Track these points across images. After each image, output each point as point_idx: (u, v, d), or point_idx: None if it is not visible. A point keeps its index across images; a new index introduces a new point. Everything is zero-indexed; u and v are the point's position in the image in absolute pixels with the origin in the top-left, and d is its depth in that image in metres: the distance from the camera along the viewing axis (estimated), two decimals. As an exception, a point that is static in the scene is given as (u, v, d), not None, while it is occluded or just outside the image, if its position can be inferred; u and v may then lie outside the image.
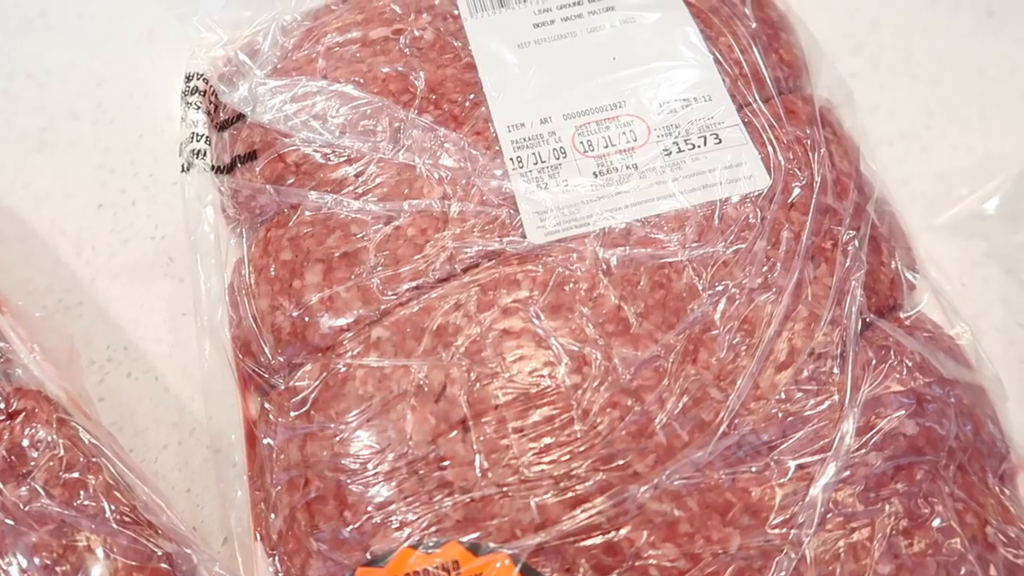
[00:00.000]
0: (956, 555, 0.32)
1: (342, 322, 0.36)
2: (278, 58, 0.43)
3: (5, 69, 0.55)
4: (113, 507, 0.34)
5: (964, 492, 0.34)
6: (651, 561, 0.31)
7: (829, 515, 0.32)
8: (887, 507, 0.32)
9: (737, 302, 0.35)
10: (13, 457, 0.34)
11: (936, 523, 0.33)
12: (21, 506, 0.33)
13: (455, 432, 0.33)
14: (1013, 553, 0.33)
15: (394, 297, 0.36)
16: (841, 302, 0.36)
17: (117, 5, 0.58)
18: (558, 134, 0.39)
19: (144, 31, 0.57)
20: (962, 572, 0.32)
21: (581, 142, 0.39)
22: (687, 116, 0.40)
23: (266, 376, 0.37)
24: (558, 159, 0.39)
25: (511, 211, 0.37)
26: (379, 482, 0.33)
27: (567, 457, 0.33)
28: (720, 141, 0.39)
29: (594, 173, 0.38)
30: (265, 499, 0.36)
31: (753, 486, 0.32)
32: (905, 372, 0.35)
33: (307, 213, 0.38)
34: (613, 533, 0.32)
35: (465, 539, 0.32)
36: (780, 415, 0.33)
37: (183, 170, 0.42)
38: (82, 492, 0.34)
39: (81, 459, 0.35)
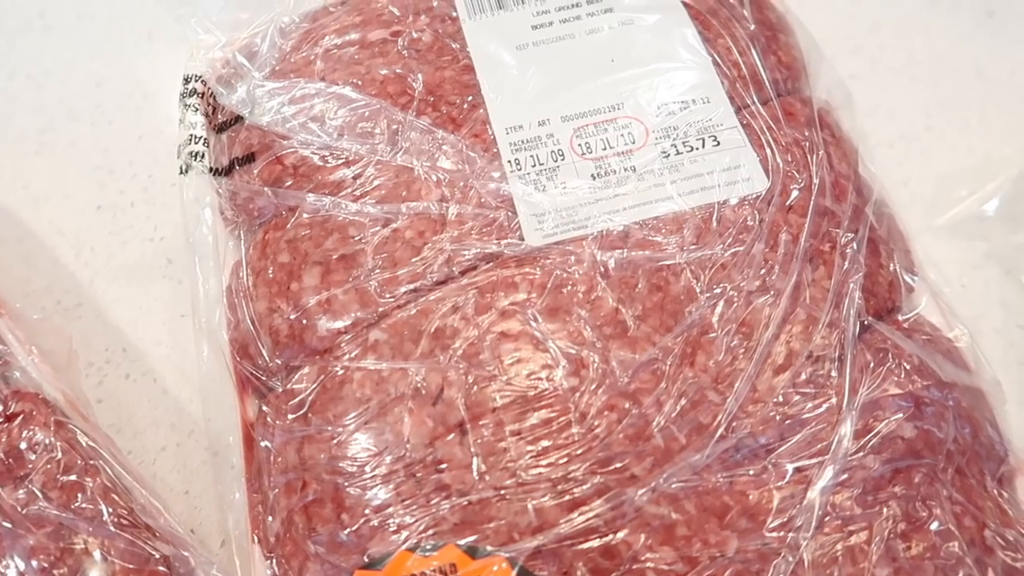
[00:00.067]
0: (954, 559, 0.32)
1: (340, 324, 0.36)
2: (276, 60, 0.43)
3: (4, 70, 0.55)
4: (111, 510, 0.34)
5: (962, 495, 0.34)
6: (648, 564, 0.31)
7: (827, 518, 0.32)
8: (885, 510, 0.32)
9: (735, 305, 0.35)
10: (11, 460, 0.34)
11: (934, 526, 0.32)
12: (19, 509, 0.33)
13: (452, 435, 0.33)
14: (1011, 557, 0.33)
15: (392, 300, 0.36)
16: (839, 305, 0.36)
17: (116, 6, 0.58)
18: (556, 136, 0.39)
19: (143, 32, 0.57)
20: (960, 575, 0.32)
21: (579, 144, 0.39)
22: (685, 118, 0.40)
23: (264, 379, 0.37)
24: (556, 161, 0.39)
25: (509, 213, 0.37)
26: (376, 485, 0.33)
27: (564, 460, 0.33)
28: (718, 143, 0.39)
29: (592, 175, 0.38)
30: (263, 502, 0.36)
31: (751, 489, 0.32)
32: (903, 375, 0.35)
33: (305, 215, 0.38)
34: (610, 536, 0.32)
35: (462, 542, 0.32)
36: (778, 418, 0.33)
37: (181, 172, 0.42)
38: (80, 495, 0.34)
39: (79, 462, 0.35)
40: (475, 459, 0.33)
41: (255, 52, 0.43)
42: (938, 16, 0.55)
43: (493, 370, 0.34)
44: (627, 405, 0.33)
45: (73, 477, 0.34)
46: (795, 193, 0.38)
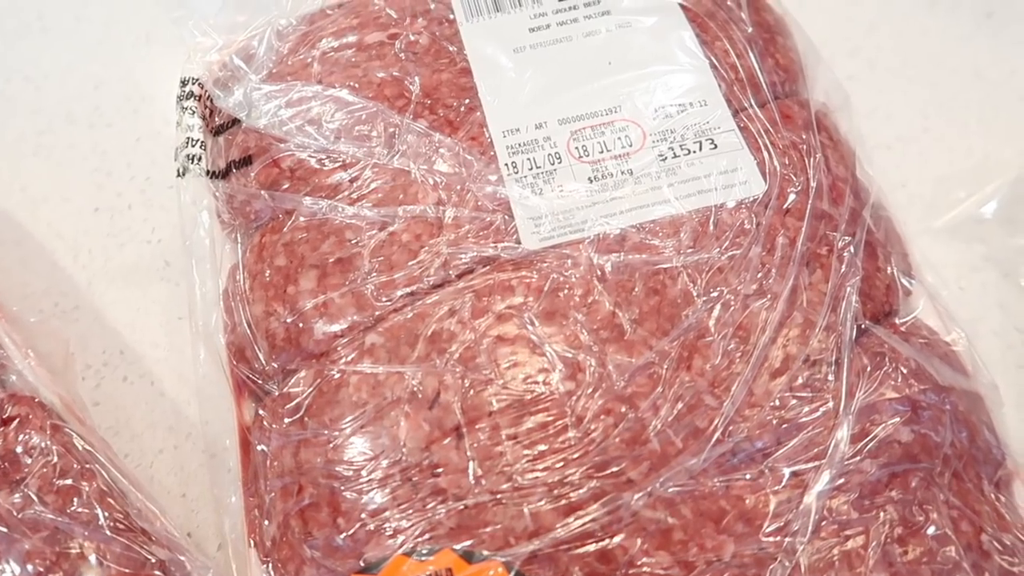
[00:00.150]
0: (951, 563, 0.32)
1: (336, 328, 0.36)
2: (273, 63, 0.43)
3: (2, 72, 0.55)
4: (107, 514, 0.34)
5: (959, 499, 0.34)
6: (645, 569, 0.31)
7: (823, 523, 0.32)
8: (882, 515, 0.32)
9: (732, 308, 0.35)
10: (7, 464, 0.34)
11: (931, 531, 0.32)
12: (14, 513, 0.33)
13: (449, 439, 0.33)
14: (1008, 561, 0.33)
15: (388, 303, 0.36)
16: (836, 308, 0.35)
17: (114, 8, 0.58)
18: (553, 139, 0.39)
19: (141, 34, 0.57)
20: (957, 580, 0.32)
21: (576, 147, 0.39)
22: (682, 121, 0.40)
23: (260, 382, 0.37)
24: (553, 164, 0.39)
25: (506, 217, 0.37)
26: (373, 489, 0.33)
27: (561, 464, 0.32)
28: (716, 146, 0.39)
29: (589, 178, 0.38)
30: (259, 505, 0.36)
31: (747, 493, 0.32)
32: (900, 379, 0.34)
33: (302, 219, 0.38)
34: (607, 541, 0.32)
35: (459, 547, 0.32)
36: (774, 422, 0.33)
37: (179, 175, 0.42)
38: (76, 499, 0.34)
39: (75, 466, 0.35)
40: (471, 463, 0.33)
41: (252, 55, 0.43)
42: (937, 17, 0.55)
43: (489, 374, 0.34)
44: (623, 409, 0.33)
45: (69, 481, 0.34)
46: (792, 196, 0.38)
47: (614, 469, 0.32)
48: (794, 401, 0.34)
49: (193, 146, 0.42)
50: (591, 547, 0.32)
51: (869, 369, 0.35)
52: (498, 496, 0.32)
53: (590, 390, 0.34)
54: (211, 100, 0.43)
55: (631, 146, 0.39)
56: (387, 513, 0.33)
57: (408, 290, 0.36)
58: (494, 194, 0.38)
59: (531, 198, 0.38)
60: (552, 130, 0.40)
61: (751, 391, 0.34)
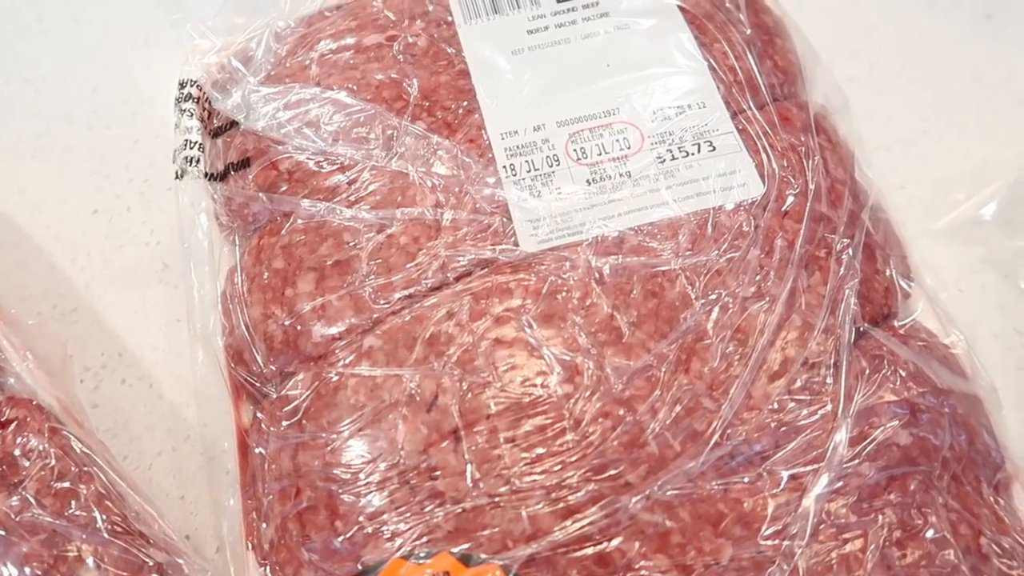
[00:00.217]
0: (950, 566, 0.32)
1: (334, 331, 0.36)
2: (271, 65, 0.43)
3: (1, 74, 0.55)
4: (104, 517, 0.34)
5: (958, 503, 0.33)
6: (643, 572, 0.31)
7: (822, 526, 0.32)
8: (880, 518, 0.32)
9: (730, 311, 0.35)
10: (4, 467, 0.34)
11: (930, 534, 0.32)
12: (12, 516, 0.33)
13: (447, 442, 0.33)
14: (1007, 564, 0.33)
15: (386, 306, 0.36)
16: (835, 311, 0.35)
17: (113, 10, 0.58)
18: (551, 141, 0.39)
19: (140, 36, 0.56)
20: (955, 583, 0.32)
21: (574, 149, 0.39)
22: (681, 123, 0.40)
23: (258, 385, 0.37)
24: (551, 167, 0.39)
25: (504, 219, 0.37)
26: (370, 492, 0.33)
27: (559, 467, 0.32)
28: (714, 148, 0.39)
29: (587, 181, 0.38)
30: (257, 508, 0.36)
31: (745, 497, 0.32)
32: (899, 382, 0.34)
33: (300, 221, 0.38)
34: (605, 544, 0.32)
35: (456, 550, 0.32)
36: (773, 425, 0.33)
37: (177, 177, 0.42)
38: (73, 502, 0.34)
39: (73, 468, 0.35)
40: (469, 466, 0.33)
41: (250, 57, 0.43)
42: (936, 19, 0.55)
43: (487, 377, 0.34)
44: (622, 412, 0.33)
45: (67, 484, 0.34)
46: (791, 198, 0.38)
47: (612, 472, 0.32)
48: (792, 404, 0.34)
49: (191, 148, 0.42)
50: (589, 550, 0.32)
51: (868, 372, 0.35)
52: (496, 499, 0.32)
53: (588, 393, 0.33)
54: (209, 102, 0.43)
55: (629, 148, 0.39)
56: (385, 516, 0.33)
57: (406, 292, 0.36)
58: (492, 196, 0.38)
59: (529, 200, 0.38)
60: (550, 132, 0.40)
61: (749, 394, 0.34)
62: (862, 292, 0.37)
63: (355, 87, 0.41)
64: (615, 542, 0.32)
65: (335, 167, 0.39)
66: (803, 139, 0.39)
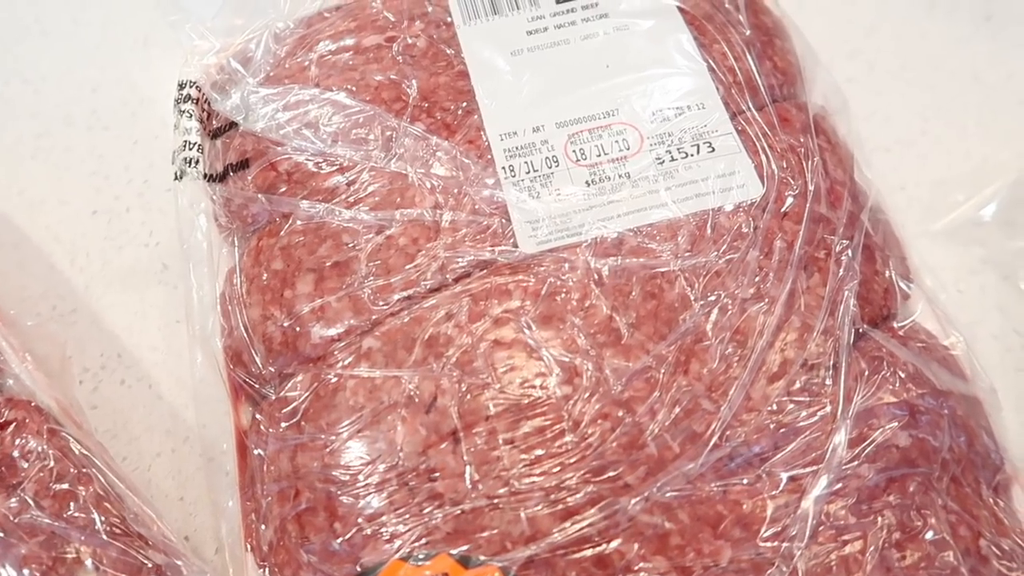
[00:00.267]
0: (949, 568, 0.32)
1: (333, 332, 0.36)
2: (271, 66, 0.43)
3: (0, 75, 0.55)
4: (103, 518, 0.34)
5: (957, 504, 0.33)
6: (641, 574, 0.31)
7: (821, 528, 0.32)
8: (880, 519, 0.32)
9: (729, 312, 0.35)
10: (3, 468, 0.34)
11: (929, 536, 0.32)
12: (11, 517, 0.33)
13: (445, 443, 0.33)
14: (1007, 566, 0.33)
15: (385, 307, 0.36)
16: (834, 312, 0.35)
17: (112, 11, 0.57)
18: (550, 142, 0.39)
19: (139, 37, 0.56)
20: (955, 585, 0.32)
21: (573, 151, 0.39)
22: (680, 124, 0.40)
23: (257, 386, 0.37)
24: (550, 168, 0.39)
25: (503, 220, 0.37)
26: (369, 493, 0.33)
27: (558, 469, 0.32)
28: (713, 150, 0.39)
29: (586, 182, 0.38)
30: (256, 510, 0.36)
31: (744, 498, 0.32)
32: (898, 383, 0.34)
33: (299, 222, 0.38)
34: (604, 546, 0.32)
35: (455, 551, 0.32)
36: (772, 426, 0.33)
37: (176, 178, 0.42)
38: (72, 503, 0.34)
39: (71, 470, 0.35)
40: (468, 468, 0.33)
41: (249, 58, 0.43)
42: (935, 20, 0.55)
43: (486, 378, 0.34)
44: (621, 413, 0.33)
45: (66, 485, 0.34)
46: (790, 200, 0.38)
47: (611, 474, 0.32)
48: (792, 405, 0.34)
49: (190, 149, 0.42)
50: (588, 552, 0.32)
51: (867, 373, 0.35)
52: (495, 501, 0.32)
53: (587, 394, 0.33)
54: (208, 103, 0.43)
55: (628, 149, 0.39)
56: (384, 517, 0.33)
57: (405, 294, 0.36)
58: (491, 197, 0.38)
59: (528, 201, 0.38)
60: (549, 133, 0.40)
61: (748, 395, 0.34)
62: (861, 293, 0.37)
63: (354, 88, 0.41)
64: (614, 544, 0.32)
65: (334, 168, 0.39)
66: (802, 140, 0.39)
